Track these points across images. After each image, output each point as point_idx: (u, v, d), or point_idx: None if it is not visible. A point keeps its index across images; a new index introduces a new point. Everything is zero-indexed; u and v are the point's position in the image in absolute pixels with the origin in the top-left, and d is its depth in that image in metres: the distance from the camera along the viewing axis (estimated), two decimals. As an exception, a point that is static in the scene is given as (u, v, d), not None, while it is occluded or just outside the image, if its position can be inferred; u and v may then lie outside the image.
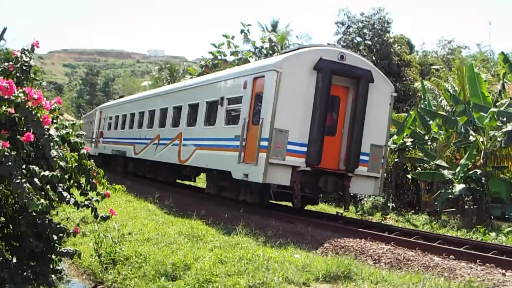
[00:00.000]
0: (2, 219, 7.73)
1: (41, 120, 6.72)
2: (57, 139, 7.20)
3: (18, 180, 6.18)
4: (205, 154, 21.02)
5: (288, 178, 17.28)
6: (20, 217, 7.48)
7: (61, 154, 7.07)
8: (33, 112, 6.70)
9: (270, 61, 19.41)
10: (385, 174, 28.44)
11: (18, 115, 6.73)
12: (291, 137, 17.08)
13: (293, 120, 17.12)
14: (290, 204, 20.91)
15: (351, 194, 19.88)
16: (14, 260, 7.71)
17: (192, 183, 31.59)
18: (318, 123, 17.07)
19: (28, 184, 6.30)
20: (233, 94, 19.61)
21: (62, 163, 7.09)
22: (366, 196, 28.43)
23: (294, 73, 17.20)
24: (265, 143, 16.78)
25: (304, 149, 17.16)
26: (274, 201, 20.66)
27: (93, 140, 41.38)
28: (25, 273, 7.38)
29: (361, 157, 18.04)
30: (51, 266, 8.11)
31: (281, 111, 16.88)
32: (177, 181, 29.74)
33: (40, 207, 6.41)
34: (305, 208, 21.36)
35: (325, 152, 17.44)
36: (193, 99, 23.24)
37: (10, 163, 6.16)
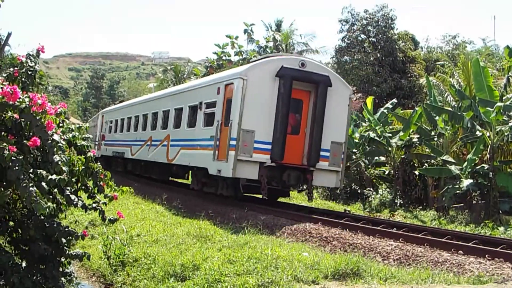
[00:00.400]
0: (11, 223, 7.75)
1: (45, 125, 6.74)
2: (62, 143, 7.22)
3: (25, 184, 6.19)
4: (187, 153, 23.21)
5: (255, 172, 19.29)
6: (28, 221, 7.49)
7: (64, 159, 7.08)
8: (37, 118, 6.71)
9: (238, 69, 21.59)
10: (392, 171, 28.60)
11: (23, 120, 6.75)
12: (257, 136, 19.10)
13: (258, 121, 19.12)
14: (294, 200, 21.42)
15: (312, 186, 21.46)
16: (24, 264, 7.73)
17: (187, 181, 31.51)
18: (281, 123, 19.02)
19: (35, 188, 6.31)
20: (210, 99, 21.66)
21: (65, 168, 7.10)
22: (373, 193, 28.50)
23: (259, 80, 19.25)
24: (234, 142, 18.88)
25: (269, 147, 19.14)
26: (260, 196, 21.72)
27: (96, 142, 42.91)
28: (34, 277, 7.39)
29: (322, 153, 19.94)
30: (61, 269, 8.13)
31: (248, 113, 18.96)
32: (185, 181, 30.11)
33: (47, 210, 6.41)
34: (303, 205, 23.11)
35: (289, 149, 19.41)
36: (178, 104, 25.63)
37: (17, 167, 6.18)
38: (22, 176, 6.20)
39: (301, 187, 21.91)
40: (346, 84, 21.74)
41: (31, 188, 6.20)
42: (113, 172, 31.41)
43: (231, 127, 19.09)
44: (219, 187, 21.75)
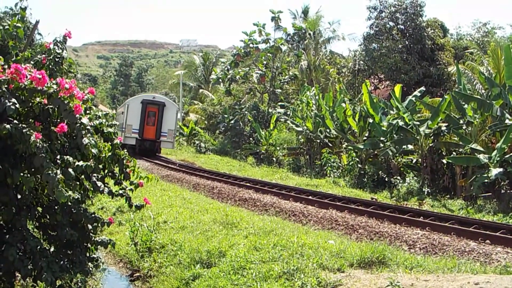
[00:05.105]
0: (39, 209, 7.83)
1: (73, 109, 6.77)
2: (89, 126, 7.26)
3: (49, 172, 6.24)
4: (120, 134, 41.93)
5: (134, 142, 43.09)
6: (56, 207, 7.57)
7: (93, 141, 7.14)
8: (65, 102, 6.75)
9: (128, 100, 50.98)
10: (420, 160, 28.48)
11: (51, 106, 6.80)
12: (133, 127, 43.31)
13: (134, 120, 43.33)
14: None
15: (161, 148, 46.85)
16: (52, 249, 7.81)
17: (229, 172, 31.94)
18: (142, 122, 43.48)
19: (59, 176, 6.35)
20: (124, 110, 45.16)
21: (94, 151, 7.16)
22: (400, 181, 28.33)
23: (134, 104, 44.27)
24: (123, 129, 42.73)
25: (137, 131, 43.27)
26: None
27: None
28: (62, 262, 7.47)
29: (163, 134, 44.06)
30: (88, 255, 8.21)
31: (129, 117, 43.44)
32: (214, 169, 30.91)
33: (68, 199, 6.46)
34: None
35: (148, 132, 43.56)
36: (123, 110, 47.14)
37: (42, 155, 6.23)
38: (46, 163, 6.25)
39: (155, 149, 45.41)
40: (174, 104, 49.95)
41: (57, 176, 6.25)
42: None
43: (123, 123, 43.15)
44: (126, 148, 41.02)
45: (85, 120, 7.08)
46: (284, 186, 24.21)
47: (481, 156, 23.93)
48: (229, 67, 57.45)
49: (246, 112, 53.28)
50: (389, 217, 16.03)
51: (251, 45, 55.35)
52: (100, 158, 7.95)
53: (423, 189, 26.75)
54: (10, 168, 6.63)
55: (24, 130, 6.29)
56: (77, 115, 6.88)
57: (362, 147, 31.76)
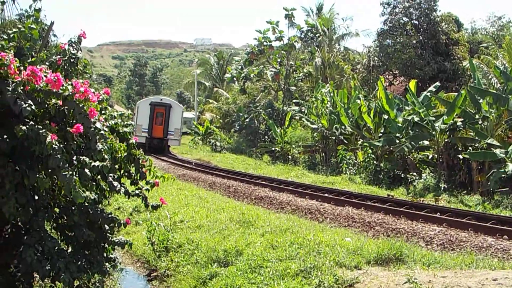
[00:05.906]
0: (56, 209, 7.87)
1: (87, 113, 6.80)
2: (104, 130, 7.29)
3: (65, 173, 6.27)
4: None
5: (144, 140, 46.03)
6: (73, 208, 7.60)
7: (106, 147, 7.17)
8: (80, 105, 6.77)
9: (138, 102, 55.30)
10: (436, 155, 28.29)
11: (67, 107, 6.81)
12: (143, 126, 47.72)
13: (143, 120, 47.99)
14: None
15: (169, 145, 51.63)
16: (69, 250, 7.85)
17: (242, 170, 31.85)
18: (151, 121, 48.37)
19: (75, 177, 6.40)
20: (135, 111, 49.15)
21: (107, 156, 7.20)
22: (416, 178, 28.20)
23: (143, 106, 49.36)
24: (134, 129, 39.95)
25: (147, 130, 47.99)
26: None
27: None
28: (79, 262, 7.50)
29: (170, 132, 48.86)
30: (105, 255, 8.24)
31: (139, 118, 47.82)
32: (229, 168, 30.89)
33: (85, 200, 6.50)
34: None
35: (156, 131, 48.58)
36: (134, 112, 50.45)
37: (58, 156, 6.25)
38: (62, 164, 6.28)
39: (163, 147, 49.80)
40: (180, 105, 54.61)
41: (71, 177, 6.28)
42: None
43: (134, 123, 40.64)
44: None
45: (99, 124, 7.11)
46: (300, 184, 24.20)
47: (497, 151, 23.76)
48: (243, 66, 57.40)
49: (261, 110, 53.21)
50: (405, 214, 15.98)
51: (265, 43, 55.22)
52: (116, 158, 7.98)
53: (440, 185, 26.60)
54: (26, 169, 6.66)
55: (40, 132, 6.32)
56: (92, 119, 6.91)
57: (377, 143, 31.61)
